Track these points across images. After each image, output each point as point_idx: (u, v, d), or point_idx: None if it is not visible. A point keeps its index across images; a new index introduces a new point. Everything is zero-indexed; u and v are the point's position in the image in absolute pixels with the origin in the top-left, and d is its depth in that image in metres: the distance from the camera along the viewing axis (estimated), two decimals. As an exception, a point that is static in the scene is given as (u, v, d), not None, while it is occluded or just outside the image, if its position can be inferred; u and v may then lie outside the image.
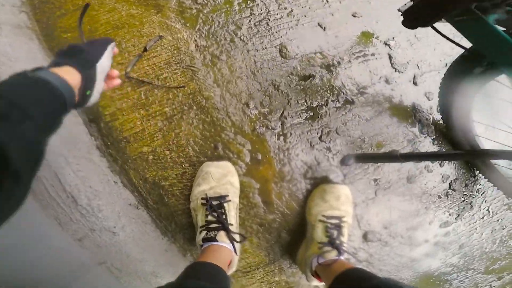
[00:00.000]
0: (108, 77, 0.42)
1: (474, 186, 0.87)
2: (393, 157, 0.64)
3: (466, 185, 0.85)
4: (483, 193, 0.89)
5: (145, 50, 0.67)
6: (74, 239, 0.56)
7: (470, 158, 0.73)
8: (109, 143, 0.60)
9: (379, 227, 0.80)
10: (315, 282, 0.67)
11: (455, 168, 0.82)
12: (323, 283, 0.68)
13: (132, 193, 0.59)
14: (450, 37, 0.49)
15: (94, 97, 0.36)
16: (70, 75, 0.31)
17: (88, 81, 0.34)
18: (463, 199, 0.86)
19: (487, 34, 0.44)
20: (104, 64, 0.38)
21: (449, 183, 0.82)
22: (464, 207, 0.88)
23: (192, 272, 0.48)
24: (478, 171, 0.85)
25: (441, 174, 0.80)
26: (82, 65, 0.33)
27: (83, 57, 0.34)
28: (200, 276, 0.47)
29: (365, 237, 0.79)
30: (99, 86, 0.37)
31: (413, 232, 0.85)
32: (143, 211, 0.61)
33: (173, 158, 0.60)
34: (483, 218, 0.91)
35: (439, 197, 0.82)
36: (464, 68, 0.60)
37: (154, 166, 0.59)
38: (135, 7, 0.70)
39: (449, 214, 0.87)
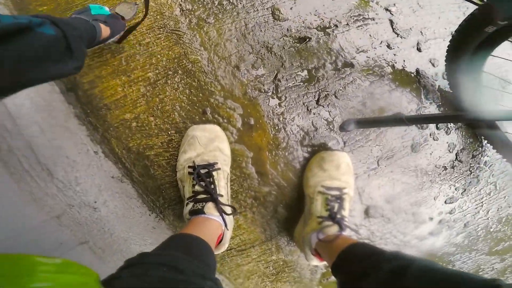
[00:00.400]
0: None
1: (482, 158, 0.80)
2: (398, 120, 0.57)
3: (473, 157, 0.79)
4: (490, 166, 0.82)
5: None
6: (51, 217, 0.50)
7: (478, 120, 0.66)
8: (88, 111, 0.54)
9: (381, 201, 0.73)
10: (315, 261, 0.61)
11: (462, 136, 0.75)
12: (324, 262, 0.61)
13: (115, 164, 0.53)
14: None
15: (96, 46, 0.53)
16: (106, 32, 0.49)
17: (107, 39, 0.51)
18: (469, 172, 0.80)
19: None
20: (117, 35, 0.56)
21: (456, 153, 0.75)
22: (470, 181, 0.81)
23: (172, 243, 0.42)
24: (486, 141, 0.79)
25: (447, 143, 0.74)
26: (114, 32, 0.51)
27: (117, 27, 0.52)
28: (178, 248, 0.41)
29: (366, 212, 0.73)
30: (102, 44, 0.55)
31: (417, 208, 0.79)
32: (128, 185, 0.55)
33: (158, 125, 0.54)
34: (489, 194, 0.84)
35: (445, 168, 0.76)
36: (474, 28, 0.52)
37: (138, 134, 0.53)
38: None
39: (455, 189, 0.80)
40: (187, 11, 0.63)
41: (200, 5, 0.64)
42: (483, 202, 0.87)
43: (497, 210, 0.90)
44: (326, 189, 0.58)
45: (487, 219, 0.89)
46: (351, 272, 0.43)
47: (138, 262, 0.34)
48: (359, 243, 0.49)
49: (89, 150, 0.52)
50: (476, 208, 0.87)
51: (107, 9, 0.53)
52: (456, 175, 0.80)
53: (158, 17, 0.62)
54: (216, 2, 0.65)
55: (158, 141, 0.54)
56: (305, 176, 0.63)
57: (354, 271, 0.42)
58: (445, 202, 0.83)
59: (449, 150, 0.77)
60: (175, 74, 0.56)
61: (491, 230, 0.91)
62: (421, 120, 0.58)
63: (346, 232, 0.57)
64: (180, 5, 0.64)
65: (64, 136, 0.50)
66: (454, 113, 0.70)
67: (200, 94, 0.56)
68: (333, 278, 0.83)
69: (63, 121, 0.51)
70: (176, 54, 0.58)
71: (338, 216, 0.57)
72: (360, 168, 0.68)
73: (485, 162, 0.83)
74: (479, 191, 0.85)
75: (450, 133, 0.76)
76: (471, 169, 0.81)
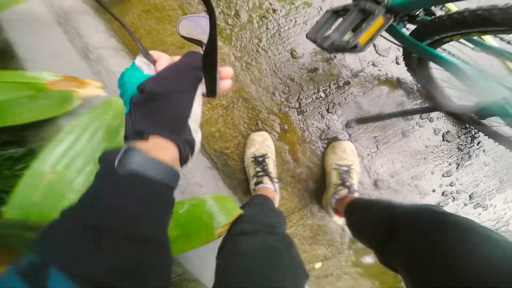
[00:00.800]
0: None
1: (468, 137, 1.31)
2: (381, 116, 1.13)
3: (459, 137, 1.29)
4: (479, 143, 1.32)
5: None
6: (179, 192, 1.12)
7: (435, 111, 1.19)
8: None
9: (386, 176, 1.26)
10: (336, 217, 1.15)
11: (444, 122, 1.26)
12: (342, 218, 1.17)
13: (207, 159, 1.14)
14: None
15: (196, 151, 0.36)
16: (165, 151, 0.31)
17: (187, 148, 0.33)
18: (459, 149, 1.29)
19: (396, 35, 0.92)
20: (197, 111, 0.35)
21: (442, 135, 1.25)
22: (462, 157, 1.30)
23: (251, 199, 1.02)
24: (467, 124, 1.29)
25: (432, 128, 1.24)
26: (172, 130, 0.31)
27: (168, 114, 0.32)
28: (258, 200, 1.00)
29: (375, 184, 1.26)
30: (198, 138, 0.36)
31: (418, 181, 1.29)
32: (215, 172, 1.15)
33: (231, 134, 1.14)
34: (485, 167, 1.32)
35: (436, 147, 1.27)
36: (408, 53, 1.00)
37: (220, 140, 1.14)
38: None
39: (449, 164, 1.29)
40: (238, 57, 1.25)
41: (246, 53, 1.26)
42: (482, 175, 1.35)
43: (500, 182, 1.38)
44: (338, 166, 1.14)
45: (492, 190, 1.37)
46: (348, 213, 0.95)
47: (245, 205, 0.93)
48: (357, 198, 1.03)
49: (199, 155, 1.15)
50: (476, 181, 1.34)
51: (138, 64, 0.36)
52: (446, 153, 1.30)
53: (222, 63, 1.24)
54: (255, 50, 1.26)
55: (231, 144, 1.14)
56: (324, 159, 1.19)
57: (350, 212, 0.93)
58: (443, 175, 1.33)
59: (435, 133, 1.27)
60: (238, 101, 1.16)
61: (501, 201, 1.36)
62: (396, 114, 1.13)
63: (355, 195, 1.12)
64: (234, 54, 1.26)
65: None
66: (419, 107, 1.23)
67: (254, 113, 1.16)
68: (360, 244, 1.37)
69: (191, 169, 1.15)
70: (237, 88, 1.19)
71: (347, 183, 1.12)
72: (364, 151, 1.22)
73: (473, 140, 1.32)
74: (473, 165, 1.33)
75: (433, 121, 1.27)
76: (460, 147, 1.30)
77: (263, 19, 1.25)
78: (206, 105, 1.15)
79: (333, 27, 0.77)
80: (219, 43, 1.23)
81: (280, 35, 1.24)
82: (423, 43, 0.83)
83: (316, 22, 0.83)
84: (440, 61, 0.80)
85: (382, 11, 0.67)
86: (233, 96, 1.15)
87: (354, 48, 0.65)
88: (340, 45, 0.68)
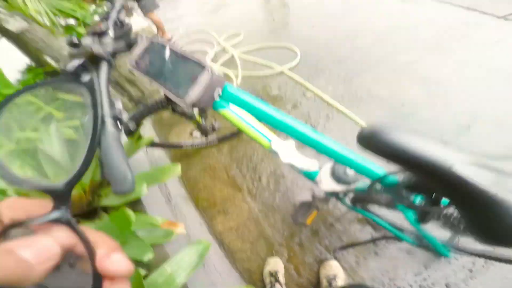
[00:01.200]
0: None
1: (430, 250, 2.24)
2: (357, 244, 2.23)
3: (421, 249, 2.25)
4: None
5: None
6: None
7: (391, 239, 2.23)
8: (229, 254, 2.35)
9: (368, 279, 2.11)
10: None
11: (406, 243, 2.26)
12: None
13: (239, 274, 2.16)
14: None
15: None
16: None
17: None
18: (424, 255, 2.22)
19: (342, 204, 2.16)
20: None
21: (406, 251, 2.22)
22: (428, 260, 2.16)
23: None
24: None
25: (397, 247, 2.23)
26: None
27: None
28: None
29: None
30: None
31: (395, 281, 2.14)
32: (243, 281, 2.22)
33: (254, 258, 2.08)
34: (450, 264, 2.15)
35: (403, 258, 2.19)
36: None
37: (247, 262, 2.12)
38: (231, 188, 2.56)
39: (417, 266, 2.18)
40: (260, 210, 2.46)
41: (265, 207, 2.48)
42: (450, 269, 1.95)
43: (471, 272, 2.14)
44: (327, 276, 2.15)
45: (465, 278, 1.95)
46: None
47: None
48: None
49: (233, 271, 2.30)
50: (446, 274, 2.04)
51: None
52: (413, 260, 2.18)
53: (249, 215, 2.52)
54: (271, 205, 2.53)
55: (255, 264, 2.04)
56: (318, 272, 2.19)
57: None
58: (415, 275, 2.19)
59: (400, 251, 2.25)
60: (260, 240, 2.21)
61: (478, 285, 1.87)
62: (366, 242, 2.21)
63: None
64: (257, 207, 2.50)
65: (222, 265, 2.30)
66: (377, 237, 2.24)
67: (270, 246, 2.12)
68: None
69: (220, 259, 2.34)
70: (259, 231, 2.39)
71: (333, 286, 2.14)
72: (346, 265, 2.16)
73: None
74: (439, 263, 2.11)
75: (396, 243, 2.28)
76: (423, 254, 2.23)
77: (276, 182, 2.64)
78: (239, 239, 2.41)
79: (301, 212, 2.07)
80: (248, 198, 2.61)
81: (287, 194, 2.57)
82: (356, 206, 2.05)
83: (296, 208, 2.14)
84: (368, 218, 1.99)
85: (316, 206, 1.97)
86: (258, 236, 2.40)
87: (305, 226, 1.93)
88: (301, 224, 1.97)
